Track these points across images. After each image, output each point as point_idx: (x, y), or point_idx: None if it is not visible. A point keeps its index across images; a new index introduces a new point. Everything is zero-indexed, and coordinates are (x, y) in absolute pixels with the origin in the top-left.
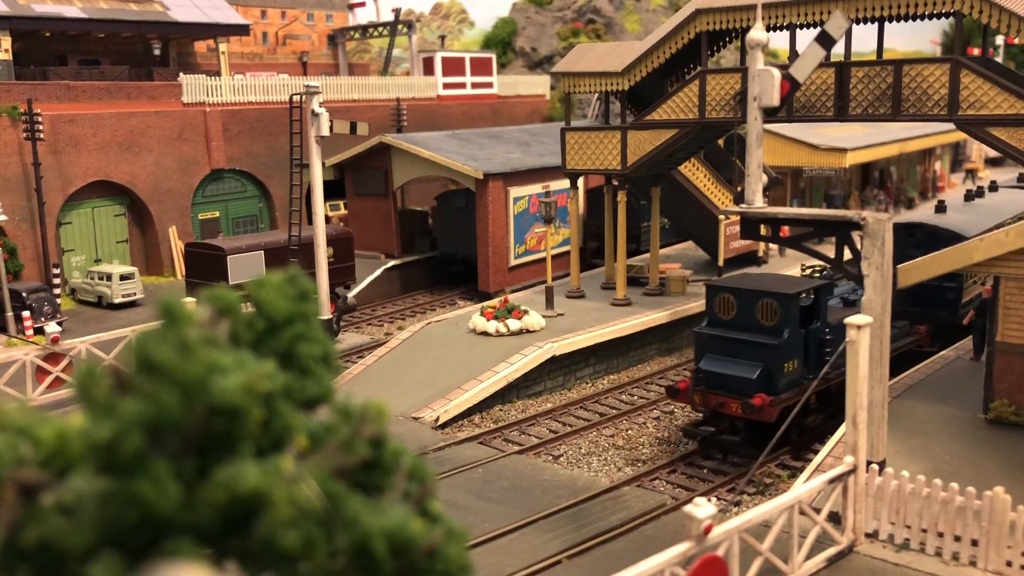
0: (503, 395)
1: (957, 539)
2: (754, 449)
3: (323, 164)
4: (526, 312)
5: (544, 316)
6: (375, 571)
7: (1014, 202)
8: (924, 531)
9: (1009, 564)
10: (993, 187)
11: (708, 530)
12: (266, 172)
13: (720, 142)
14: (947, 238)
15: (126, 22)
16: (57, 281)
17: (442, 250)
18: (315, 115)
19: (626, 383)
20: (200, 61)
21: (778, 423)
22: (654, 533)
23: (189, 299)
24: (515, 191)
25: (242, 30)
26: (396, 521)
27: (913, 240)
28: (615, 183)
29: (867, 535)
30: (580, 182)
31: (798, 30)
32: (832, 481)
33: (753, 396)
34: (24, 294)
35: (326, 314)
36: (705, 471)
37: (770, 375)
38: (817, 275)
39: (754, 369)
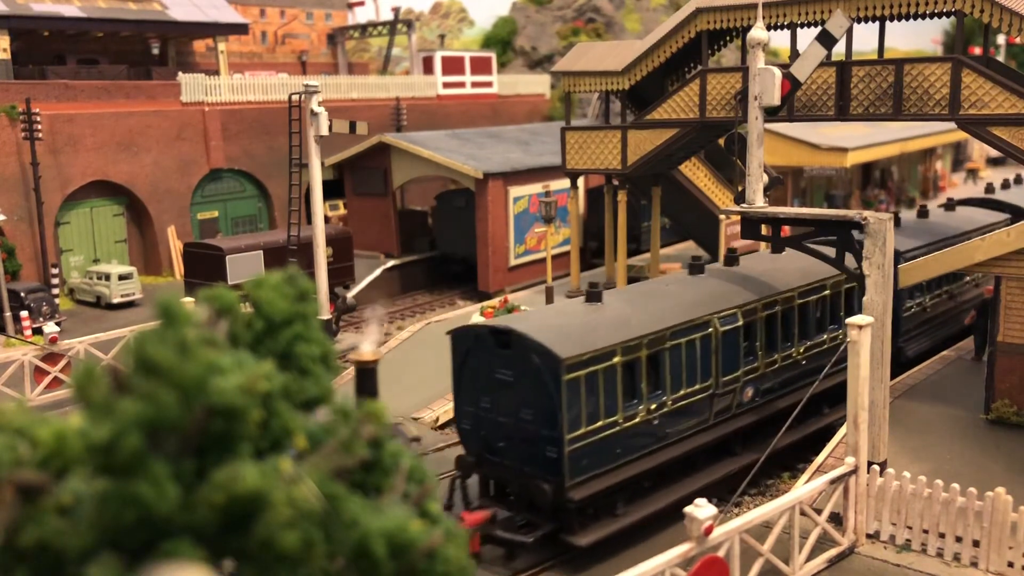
0: None
1: (958, 540)
2: None
3: (322, 164)
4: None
5: None
6: (374, 572)
7: (778, 271)
8: (925, 532)
9: (1011, 565)
10: (781, 245)
11: (709, 531)
12: (265, 172)
13: (720, 142)
14: (542, 354)
15: (125, 21)
16: (55, 281)
17: (442, 250)
18: (314, 114)
19: None
20: (199, 60)
21: None
22: (654, 534)
23: (188, 299)
24: (515, 191)
25: (241, 29)
26: (395, 522)
27: (500, 356)
28: (615, 183)
29: (868, 536)
30: (580, 182)
31: (799, 29)
32: (833, 482)
33: None
34: (22, 294)
35: (325, 314)
36: None
37: None
38: None
39: None
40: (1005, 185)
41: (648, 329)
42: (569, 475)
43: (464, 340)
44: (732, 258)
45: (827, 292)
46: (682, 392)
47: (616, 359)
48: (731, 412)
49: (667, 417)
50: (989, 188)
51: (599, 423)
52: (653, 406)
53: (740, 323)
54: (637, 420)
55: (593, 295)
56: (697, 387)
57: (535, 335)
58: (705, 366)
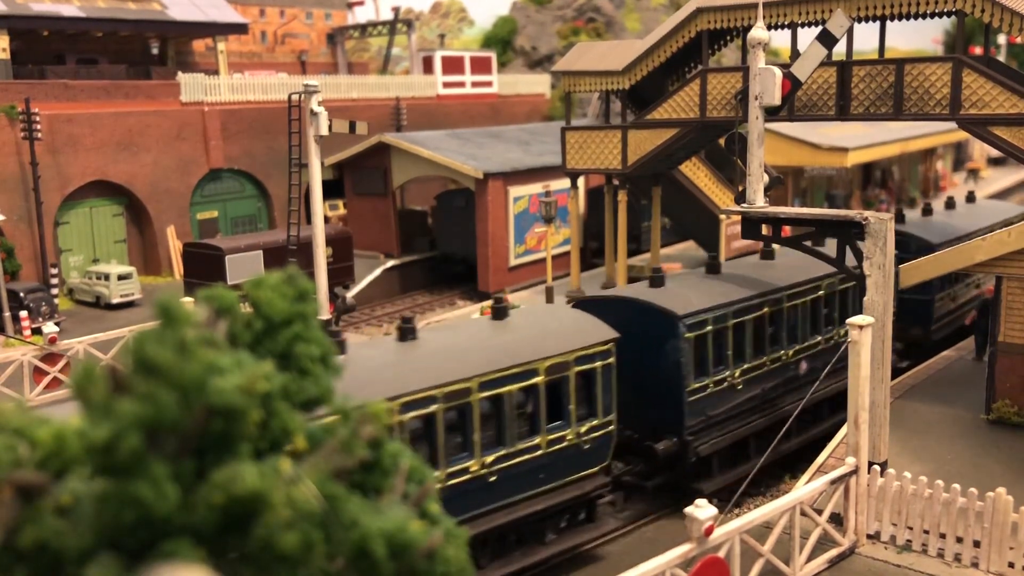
0: None
1: (959, 540)
2: None
3: (322, 163)
4: None
5: None
6: (374, 572)
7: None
8: (926, 532)
9: (1011, 565)
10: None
11: (709, 531)
12: (265, 172)
13: (721, 141)
14: None
15: (124, 21)
16: (55, 281)
17: (442, 250)
18: (314, 114)
19: None
20: (198, 60)
21: None
22: (655, 534)
23: (187, 299)
24: (515, 191)
25: (240, 29)
26: (395, 523)
27: None
28: (615, 183)
29: (869, 536)
30: (580, 182)
31: (799, 29)
32: (834, 482)
33: None
34: (22, 294)
35: (325, 314)
36: None
37: None
38: None
39: None
40: (927, 211)
41: None
42: None
43: None
44: (411, 334)
45: (570, 372)
46: None
47: None
48: None
49: None
50: (899, 216)
51: None
52: None
53: None
54: None
55: None
56: None
57: None
58: None
